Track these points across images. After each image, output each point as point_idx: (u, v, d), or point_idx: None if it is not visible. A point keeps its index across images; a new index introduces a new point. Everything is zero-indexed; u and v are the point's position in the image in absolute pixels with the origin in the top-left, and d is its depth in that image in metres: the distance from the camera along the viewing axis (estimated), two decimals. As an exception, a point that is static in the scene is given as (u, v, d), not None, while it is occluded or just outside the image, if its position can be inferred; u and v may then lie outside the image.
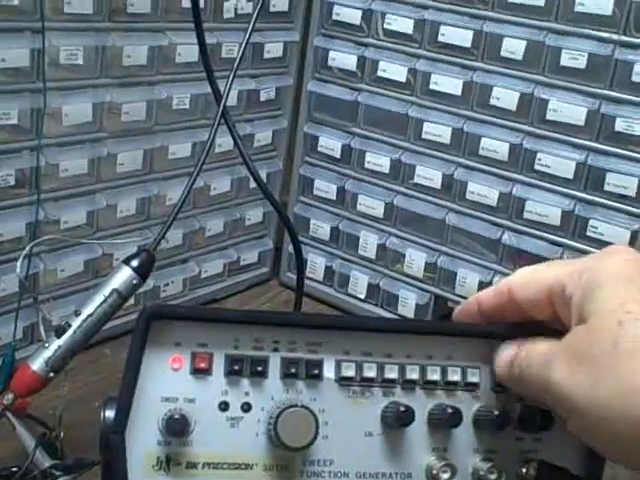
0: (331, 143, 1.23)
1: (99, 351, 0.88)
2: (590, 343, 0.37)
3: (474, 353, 0.45)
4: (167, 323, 0.42)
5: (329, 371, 0.43)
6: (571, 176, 1.03)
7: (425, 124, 1.13)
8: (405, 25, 1.13)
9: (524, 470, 0.45)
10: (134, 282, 0.68)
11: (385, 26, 1.15)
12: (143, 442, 0.41)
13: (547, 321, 0.42)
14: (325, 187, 1.25)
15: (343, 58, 1.19)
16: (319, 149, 1.24)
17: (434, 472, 0.44)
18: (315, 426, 0.41)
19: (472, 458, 0.45)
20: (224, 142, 1.09)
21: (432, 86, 1.12)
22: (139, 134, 1.03)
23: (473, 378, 0.45)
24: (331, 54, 1.20)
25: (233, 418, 0.42)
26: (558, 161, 1.03)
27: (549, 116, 1.03)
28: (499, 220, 1.10)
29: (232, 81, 0.74)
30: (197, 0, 0.74)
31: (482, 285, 1.11)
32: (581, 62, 1.00)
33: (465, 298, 0.50)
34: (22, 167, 0.91)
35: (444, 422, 0.44)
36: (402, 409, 0.43)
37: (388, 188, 1.19)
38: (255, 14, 0.76)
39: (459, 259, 1.14)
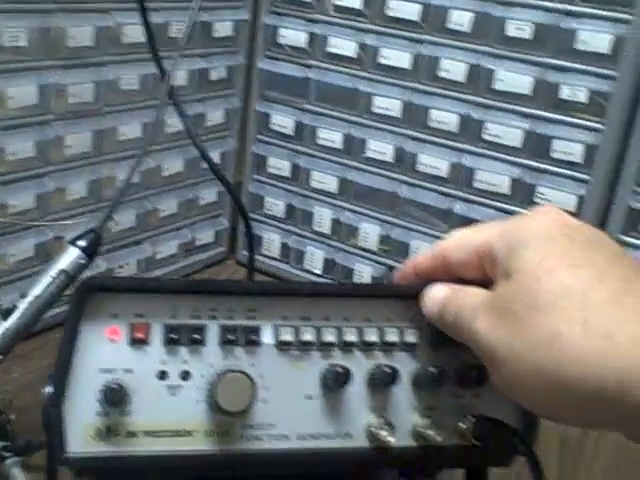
0: (283, 120, 1.23)
1: (50, 336, 0.87)
2: (511, 299, 0.38)
3: (411, 313, 0.46)
4: (103, 295, 0.42)
5: (267, 337, 0.44)
6: (519, 145, 1.04)
7: (375, 98, 1.14)
8: (354, 0, 1.13)
9: (462, 425, 0.46)
10: (81, 262, 0.68)
11: (334, 1, 1.15)
12: (82, 414, 0.41)
13: (478, 282, 0.43)
14: (279, 164, 1.25)
15: (293, 35, 1.19)
16: (271, 127, 1.24)
17: (373, 430, 0.44)
18: (252, 390, 0.42)
19: (411, 415, 0.46)
20: (175, 122, 1.08)
21: (381, 60, 1.12)
22: (87, 116, 1.02)
23: (411, 338, 0.46)
24: (281, 31, 1.20)
25: (172, 387, 0.42)
26: (506, 130, 1.05)
27: (496, 86, 1.04)
28: (450, 190, 1.11)
29: (178, 59, 0.74)
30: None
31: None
32: (527, 32, 1.02)
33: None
34: (-33, 152, 0.90)
35: (382, 382, 0.44)
36: (340, 370, 0.43)
37: (341, 163, 1.19)
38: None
39: (412, 230, 1.15)
